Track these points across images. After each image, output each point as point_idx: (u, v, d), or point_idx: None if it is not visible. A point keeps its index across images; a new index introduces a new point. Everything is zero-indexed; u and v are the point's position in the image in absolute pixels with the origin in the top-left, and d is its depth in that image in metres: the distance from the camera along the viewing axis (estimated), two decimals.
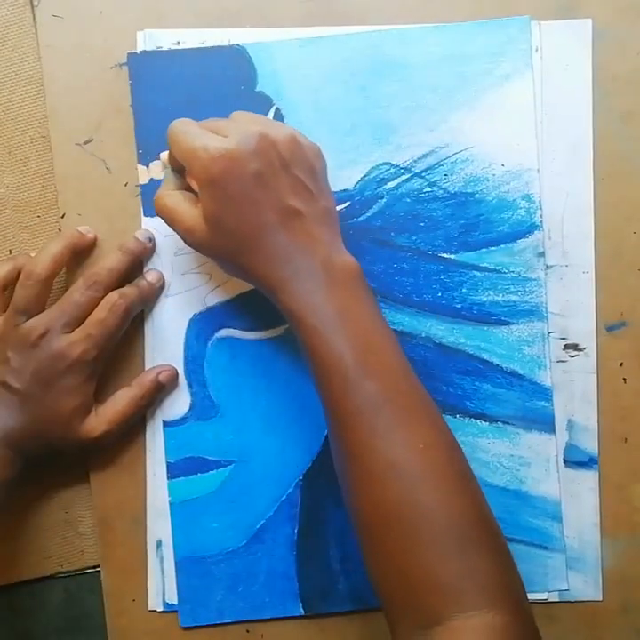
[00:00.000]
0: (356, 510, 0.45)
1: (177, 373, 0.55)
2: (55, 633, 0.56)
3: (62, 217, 0.55)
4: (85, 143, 0.55)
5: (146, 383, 0.54)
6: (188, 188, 0.49)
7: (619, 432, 0.55)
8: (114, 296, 0.52)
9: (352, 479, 0.45)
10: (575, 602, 0.54)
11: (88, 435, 0.53)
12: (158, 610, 0.55)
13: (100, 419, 0.53)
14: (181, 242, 0.55)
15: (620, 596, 0.55)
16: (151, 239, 0.55)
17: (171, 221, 0.49)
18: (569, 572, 0.54)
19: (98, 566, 0.56)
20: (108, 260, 0.53)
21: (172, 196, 0.49)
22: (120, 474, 0.55)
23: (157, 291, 0.55)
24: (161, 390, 0.54)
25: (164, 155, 0.51)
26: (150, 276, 0.54)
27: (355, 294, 0.47)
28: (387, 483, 0.44)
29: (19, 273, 0.53)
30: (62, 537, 0.56)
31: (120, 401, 0.53)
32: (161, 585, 0.55)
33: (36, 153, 0.56)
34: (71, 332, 0.51)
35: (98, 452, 0.55)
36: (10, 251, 0.56)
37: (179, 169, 0.50)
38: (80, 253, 0.55)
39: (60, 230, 0.56)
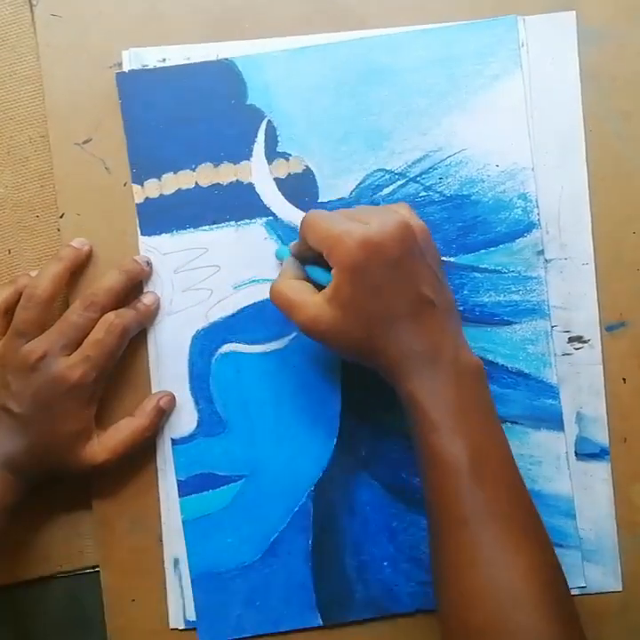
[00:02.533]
0: (446, 629, 0.44)
1: (174, 396, 0.55)
2: (55, 633, 0.56)
3: (61, 217, 0.55)
4: (84, 143, 0.55)
5: (148, 411, 0.54)
6: (305, 279, 0.50)
7: (619, 432, 0.55)
8: (110, 316, 0.52)
9: (446, 595, 0.45)
10: (596, 594, 0.54)
11: (89, 461, 0.52)
12: (180, 628, 0.55)
13: (103, 446, 0.53)
14: (181, 259, 0.55)
15: (621, 595, 0.55)
16: (148, 263, 0.54)
17: (290, 310, 0.49)
18: (587, 565, 0.54)
19: (98, 566, 0.55)
20: (105, 280, 0.53)
21: (292, 286, 0.49)
22: (120, 476, 0.55)
23: (154, 312, 0.55)
24: (163, 416, 0.54)
25: (294, 244, 0.52)
26: (147, 299, 0.54)
27: (478, 395, 0.48)
28: (482, 603, 0.43)
29: (20, 295, 0.53)
30: (62, 537, 0.56)
31: (123, 430, 0.53)
32: (181, 602, 0.55)
33: (34, 152, 0.56)
34: (70, 354, 0.51)
35: (100, 478, 0.54)
36: (8, 250, 0.56)
37: (303, 259, 0.51)
38: (78, 269, 0.54)
39: (58, 230, 0.55)
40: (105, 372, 0.52)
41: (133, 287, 0.54)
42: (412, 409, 0.47)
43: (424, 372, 0.46)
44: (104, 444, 0.53)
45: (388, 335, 0.47)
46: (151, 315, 0.54)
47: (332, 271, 0.47)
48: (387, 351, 0.47)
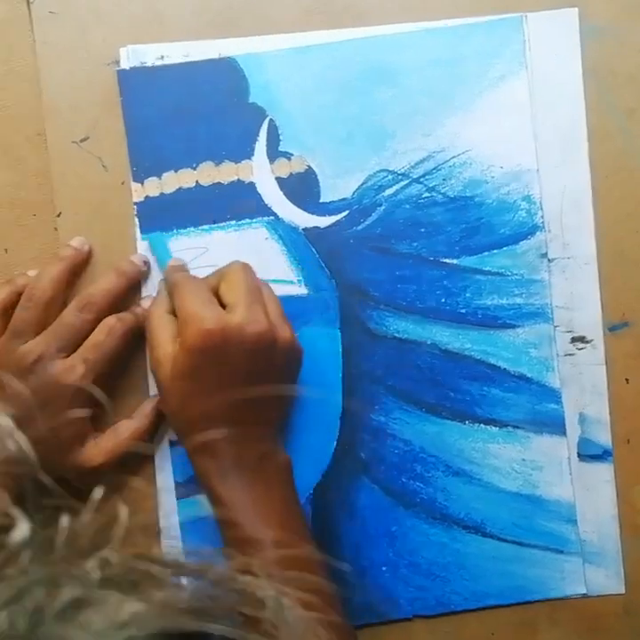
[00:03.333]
0: None
1: None
2: None
3: (58, 215, 0.54)
4: (82, 141, 0.55)
5: (146, 413, 0.53)
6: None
7: (622, 433, 0.54)
8: (112, 320, 0.51)
9: None
10: (598, 596, 0.54)
11: (86, 464, 0.52)
12: None
13: (100, 449, 0.52)
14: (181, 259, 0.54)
15: (623, 598, 0.54)
16: (146, 262, 0.54)
17: (148, 340, 0.50)
18: (589, 568, 0.54)
19: None
20: (101, 282, 0.53)
21: (159, 319, 0.50)
22: (118, 477, 0.54)
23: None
24: (160, 418, 0.54)
25: (166, 277, 0.52)
26: (145, 304, 0.54)
27: (284, 490, 0.49)
28: None
29: (18, 296, 0.52)
30: None
31: (121, 433, 0.53)
32: None
33: (32, 151, 0.55)
34: (66, 356, 0.51)
35: (96, 480, 0.54)
36: (6, 249, 0.55)
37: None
38: (78, 270, 0.54)
39: (56, 229, 0.55)
40: (102, 375, 0.51)
41: (131, 288, 0.54)
42: (219, 510, 0.48)
43: (229, 472, 0.48)
44: (101, 447, 0.52)
45: (198, 426, 0.48)
46: None
47: (179, 342, 0.48)
48: (193, 441, 0.48)
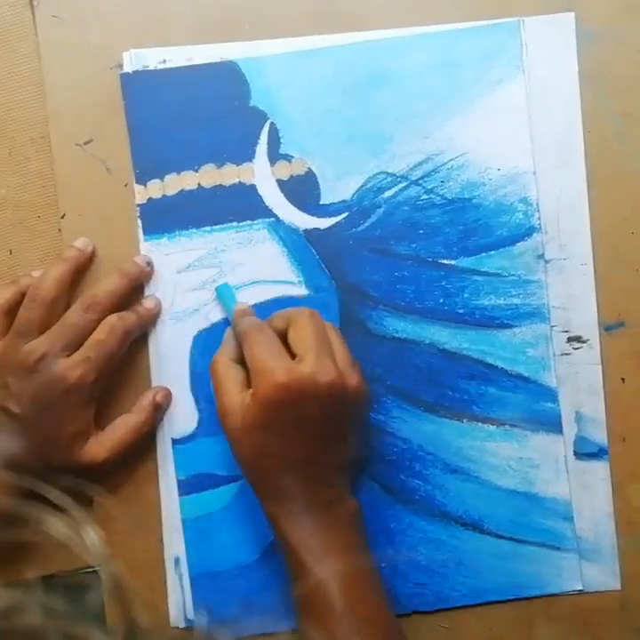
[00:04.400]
0: None
1: (170, 391, 0.55)
2: None
3: (62, 217, 0.55)
4: (85, 144, 0.55)
5: (145, 407, 0.54)
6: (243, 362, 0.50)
7: (617, 431, 0.55)
8: (113, 318, 0.52)
9: None
10: (594, 593, 0.54)
11: (89, 460, 0.52)
12: (180, 626, 0.55)
13: (102, 445, 0.53)
14: (184, 260, 0.55)
15: (619, 594, 0.55)
16: (149, 263, 0.55)
17: (215, 387, 0.50)
18: (585, 564, 0.54)
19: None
20: (105, 283, 0.53)
21: (227, 368, 0.50)
22: (121, 475, 0.55)
23: (155, 316, 0.55)
24: (159, 411, 0.54)
25: (235, 324, 0.52)
26: (148, 303, 0.54)
27: (351, 536, 0.49)
28: None
29: (22, 296, 0.53)
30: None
31: (120, 428, 0.53)
32: (181, 601, 0.55)
33: (36, 153, 0.56)
34: (70, 355, 0.51)
35: (100, 478, 0.55)
36: (10, 251, 0.56)
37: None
38: (82, 270, 0.55)
39: (59, 230, 0.55)
40: (105, 373, 0.52)
41: (134, 288, 0.54)
42: (287, 553, 0.49)
43: (299, 516, 0.48)
44: (102, 443, 0.53)
45: (270, 475, 0.49)
46: (152, 318, 0.55)
47: (250, 394, 0.48)
48: (267, 490, 0.49)
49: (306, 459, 0.48)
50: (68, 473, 0.52)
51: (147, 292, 0.55)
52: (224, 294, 0.54)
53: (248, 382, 0.49)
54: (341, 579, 0.47)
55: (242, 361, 0.50)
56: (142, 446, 0.55)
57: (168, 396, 0.55)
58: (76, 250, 0.54)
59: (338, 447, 0.50)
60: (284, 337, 0.50)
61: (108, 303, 0.53)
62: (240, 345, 0.51)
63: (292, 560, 0.48)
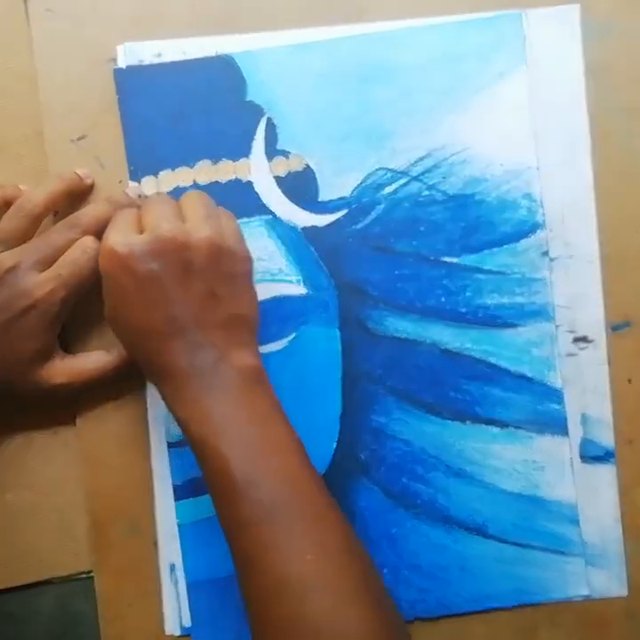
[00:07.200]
0: (252, 625, 0.44)
1: None
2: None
3: (55, 215, 0.54)
4: (79, 140, 0.54)
5: (124, 356, 0.52)
6: None
7: (624, 434, 0.54)
8: (88, 240, 0.50)
9: (246, 595, 0.44)
10: (601, 599, 0.53)
11: (47, 380, 0.51)
12: (176, 634, 0.54)
13: (64, 369, 0.51)
14: None
15: (625, 601, 0.54)
16: (141, 196, 0.54)
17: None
18: (591, 570, 0.53)
19: (92, 571, 0.55)
20: (91, 207, 0.52)
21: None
22: (114, 476, 0.54)
23: None
24: (136, 367, 0.53)
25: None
26: None
27: (247, 398, 0.47)
28: (277, 598, 0.42)
29: (5, 204, 0.52)
30: (56, 541, 0.55)
31: (92, 361, 0.52)
32: (177, 608, 0.54)
33: (29, 149, 0.55)
34: (42, 271, 0.50)
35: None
36: None
37: None
38: (75, 198, 0.54)
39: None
40: (73, 293, 0.50)
41: None
42: (181, 428, 0.47)
43: (183, 387, 0.46)
44: (68, 366, 0.52)
45: (144, 349, 0.47)
46: None
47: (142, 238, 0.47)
48: (146, 366, 0.48)
49: (167, 320, 0.46)
50: (26, 391, 0.51)
51: None
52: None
53: None
54: (229, 447, 0.45)
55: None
56: (137, 450, 0.54)
57: None
58: (76, 174, 0.53)
59: (209, 306, 0.47)
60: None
61: (91, 227, 0.51)
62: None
63: (186, 435, 0.46)
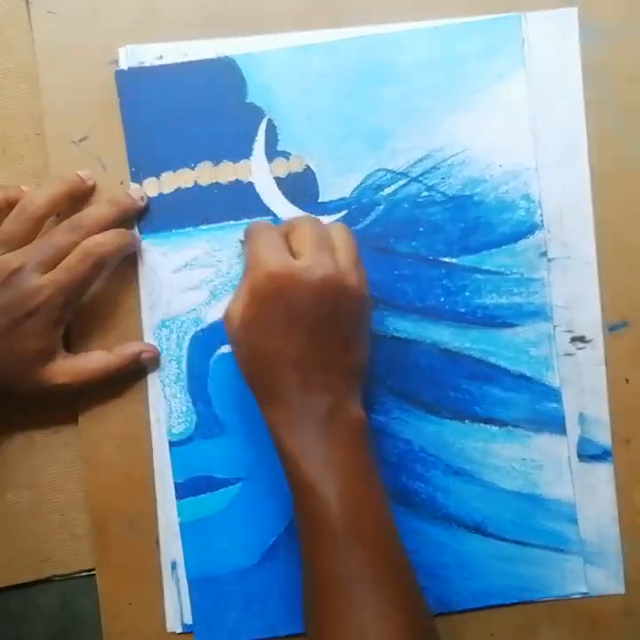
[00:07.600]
0: None
1: (159, 356, 0.54)
2: (50, 638, 0.55)
3: (57, 216, 0.54)
4: (81, 141, 0.55)
5: (125, 356, 0.53)
6: None
7: (621, 433, 0.54)
8: (90, 243, 0.51)
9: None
10: (598, 597, 0.54)
11: (48, 380, 0.51)
12: (177, 631, 0.54)
13: (65, 369, 0.52)
14: (181, 259, 0.54)
15: (623, 598, 0.54)
16: (144, 197, 0.54)
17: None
18: (589, 568, 0.54)
19: (93, 570, 0.55)
20: (94, 208, 0.52)
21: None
22: (115, 474, 0.54)
23: (137, 243, 0.54)
24: (138, 366, 0.53)
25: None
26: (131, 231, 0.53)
27: (358, 453, 0.47)
28: None
29: (7, 205, 0.52)
30: (58, 540, 0.55)
31: (93, 361, 0.53)
32: (178, 606, 0.54)
33: (30, 151, 0.55)
34: (45, 272, 0.50)
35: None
36: None
37: None
38: (77, 200, 0.54)
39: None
40: (74, 298, 0.51)
41: (124, 220, 0.53)
42: (285, 460, 0.46)
43: (298, 422, 0.46)
44: (69, 366, 0.52)
45: (268, 375, 0.47)
46: (133, 245, 0.53)
47: (245, 287, 0.47)
48: (263, 390, 0.47)
49: (300, 359, 0.46)
50: (28, 391, 0.52)
51: (142, 288, 0.54)
52: None
53: None
54: (338, 498, 0.45)
55: None
56: (138, 449, 0.54)
57: (154, 359, 0.54)
58: (78, 176, 0.53)
59: (333, 349, 0.47)
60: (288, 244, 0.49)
61: (93, 229, 0.51)
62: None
63: (291, 472, 0.46)
